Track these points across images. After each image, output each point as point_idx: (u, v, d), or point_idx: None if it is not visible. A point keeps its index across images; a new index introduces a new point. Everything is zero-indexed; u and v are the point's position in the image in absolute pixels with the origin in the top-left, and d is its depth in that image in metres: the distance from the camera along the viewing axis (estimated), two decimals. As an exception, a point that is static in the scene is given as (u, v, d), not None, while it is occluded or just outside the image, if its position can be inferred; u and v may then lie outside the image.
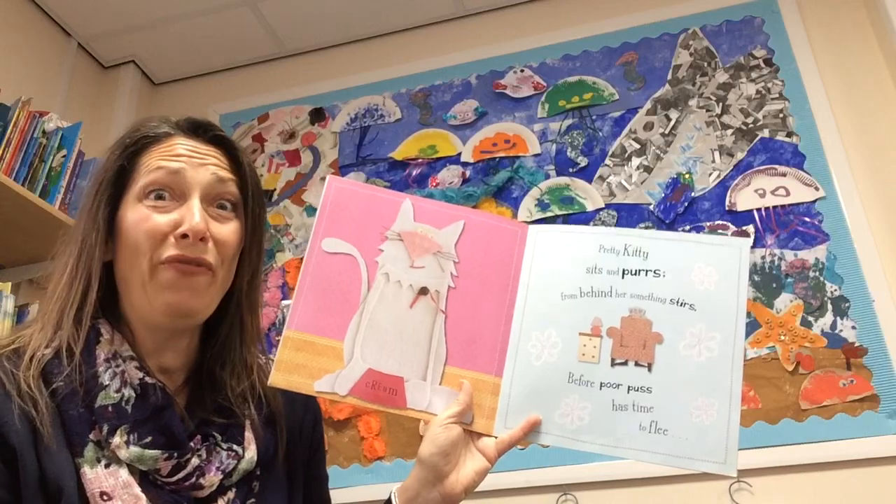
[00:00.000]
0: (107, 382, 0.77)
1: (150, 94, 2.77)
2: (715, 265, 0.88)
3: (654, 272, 0.89)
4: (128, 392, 0.78)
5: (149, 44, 2.63)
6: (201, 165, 0.84)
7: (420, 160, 2.35)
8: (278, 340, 2.39)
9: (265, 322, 2.22)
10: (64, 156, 1.99)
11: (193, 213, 0.81)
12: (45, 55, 2.45)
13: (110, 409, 0.76)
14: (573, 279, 0.91)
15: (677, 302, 0.86)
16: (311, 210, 2.37)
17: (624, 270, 0.90)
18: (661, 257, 0.90)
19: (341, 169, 2.41)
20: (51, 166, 1.95)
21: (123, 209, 0.83)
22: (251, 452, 0.85)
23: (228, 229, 0.85)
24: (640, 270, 0.90)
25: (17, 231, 1.90)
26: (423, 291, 0.91)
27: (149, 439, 0.76)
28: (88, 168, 2.07)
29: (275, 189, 2.44)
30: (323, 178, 2.41)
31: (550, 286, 0.92)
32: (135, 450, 0.75)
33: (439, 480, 0.86)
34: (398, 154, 2.37)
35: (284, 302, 2.24)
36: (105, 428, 0.75)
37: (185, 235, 0.80)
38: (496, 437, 0.88)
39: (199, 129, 0.89)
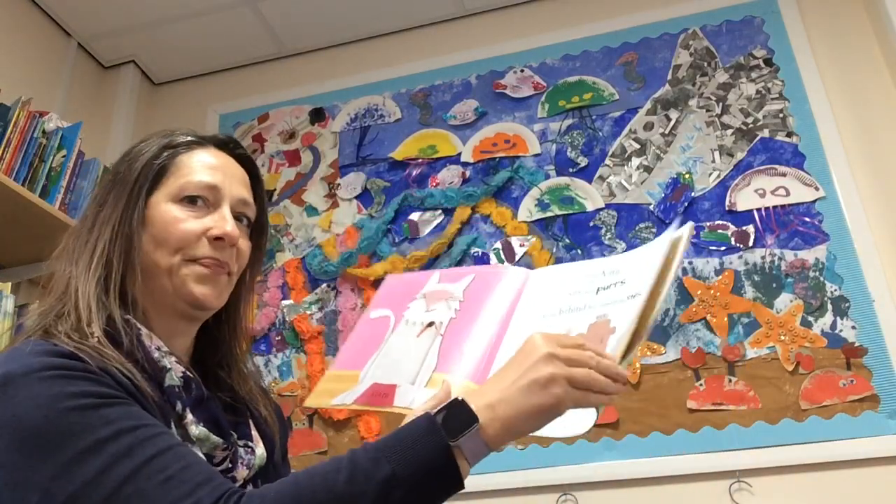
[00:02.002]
0: (168, 367, 0.82)
1: (150, 94, 2.77)
2: (659, 250, 0.91)
3: (622, 282, 0.94)
4: (177, 381, 0.82)
5: (149, 44, 2.63)
6: (233, 182, 0.93)
7: (420, 160, 2.34)
8: (278, 340, 2.38)
9: (265, 322, 2.22)
10: (64, 156, 1.99)
11: (228, 221, 0.89)
12: (45, 55, 2.45)
13: (177, 389, 0.81)
14: (555, 302, 0.99)
15: (631, 296, 0.90)
16: (310, 210, 2.37)
17: (599, 288, 0.96)
18: (628, 267, 0.95)
19: (341, 169, 2.41)
20: (51, 166, 1.95)
21: (155, 204, 0.88)
22: (261, 449, 0.91)
23: (245, 243, 0.94)
24: (610, 284, 0.95)
25: (17, 231, 1.89)
26: (430, 324, 1.04)
27: (201, 424, 0.81)
28: (88, 168, 2.07)
29: (275, 189, 2.44)
30: (323, 178, 2.41)
31: (535, 310, 1.00)
32: (203, 430, 0.80)
33: None
34: (398, 154, 2.37)
35: (285, 302, 2.24)
36: (178, 405, 0.80)
37: (219, 238, 0.87)
38: None
39: (227, 145, 0.97)
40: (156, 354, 0.82)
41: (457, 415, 0.71)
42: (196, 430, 0.79)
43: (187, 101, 2.72)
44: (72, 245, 0.88)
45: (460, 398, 0.72)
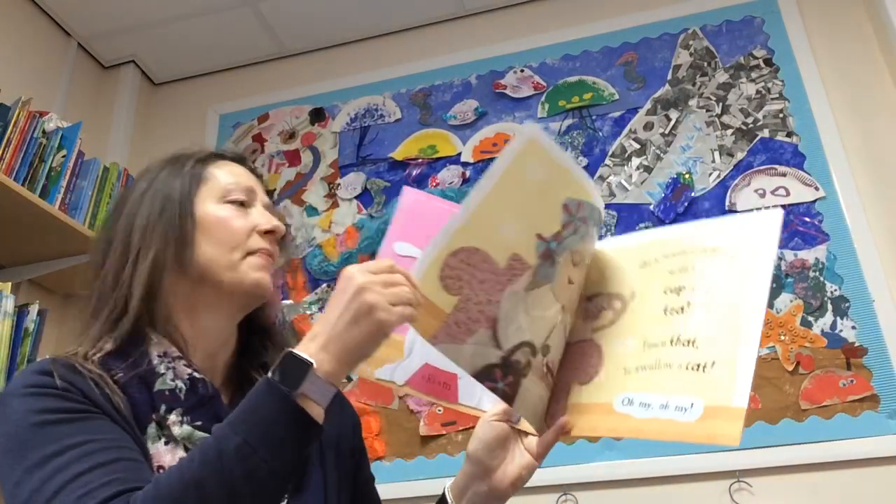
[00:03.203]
0: (163, 372, 0.86)
1: (150, 94, 2.77)
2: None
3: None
4: (180, 384, 0.85)
5: (149, 44, 2.63)
6: (258, 188, 1.00)
7: (420, 160, 2.35)
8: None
9: (265, 322, 2.22)
10: (64, 156, 2.00)
11: (271, 216, 0.96)
12: (45, 55, 2.45)
13: (167, 393, 0.84)
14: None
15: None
16: (311, 210, 2.37)
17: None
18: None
19: (341, 169, 2.41)
20: (51, 166, 1.95)
21: (200, 208, 0.93)
22: None
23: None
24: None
25: (17, 231, 1.90)
26: None
27: (200, 423, 0.83)
28: (88, 168, 2.07)
29: (275, 189, 2.44)
30: (323, 178, 2.42)
31: None
32: (187, 428, 0.82)
33: (487, 475, 0.92)
34: (398, 154, 2.37)
35: (285, 302, 2.24)
36: (163, 408, 0.83)
37: (270, 231, 0.94)
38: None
39: (243, 160, 1.04)
40: (155, 361, 0.86)
41: (291, 367, 0.73)
42: (179, 429, 0.82)
43: (187, 101, 2.72)
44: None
45: (288, 350, 0.74)
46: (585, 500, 1.80)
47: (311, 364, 0.72)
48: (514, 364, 0.83)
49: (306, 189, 2.42)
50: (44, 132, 1.95)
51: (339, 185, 2.38)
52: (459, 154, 2.32)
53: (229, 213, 0.94)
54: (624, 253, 0.94)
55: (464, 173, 2.28)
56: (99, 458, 0.74)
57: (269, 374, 0.73)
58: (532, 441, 0.93)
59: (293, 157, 2.49)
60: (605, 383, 0.88)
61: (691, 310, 0.86)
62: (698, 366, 0.82)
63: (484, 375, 0.82)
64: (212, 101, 2.67)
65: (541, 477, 1.81)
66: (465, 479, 0.94)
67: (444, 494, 0.96)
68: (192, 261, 0.91)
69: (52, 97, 2.40)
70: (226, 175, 0.98)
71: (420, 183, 2.31)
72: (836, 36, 2.16)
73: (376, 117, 2.46)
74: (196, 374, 0.87)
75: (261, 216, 0.96)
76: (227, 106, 2.65)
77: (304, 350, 0.74)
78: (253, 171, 1.04)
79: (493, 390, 0.83)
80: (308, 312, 2.20)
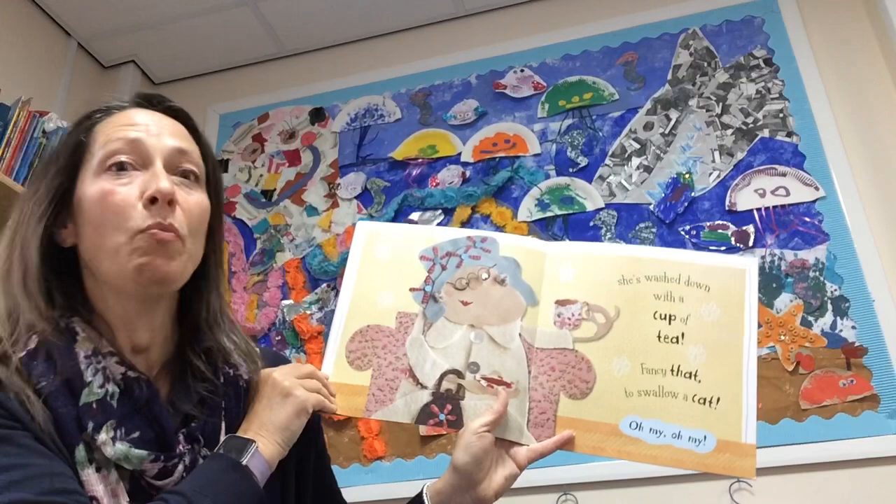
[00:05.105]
0: (90, 379, 0.75)
1: (150, 94, 2.76)
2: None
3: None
4: (111, 388, 0.76)
5: (149, 44, 2.63)
6: (160, 134, 0.83)
7: (420, 160, 2.34)
8: (278, 340, 2.37)
9: (265, 322, 2.22)
10: (64, 156, 1.99)
11: (159, 177, 0.79)
12: (45, 55, 2.45)
13: (94, 405, 0.74)
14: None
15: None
16: (311, 210, 2.37)
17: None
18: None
19: (341, 169, 2.41)
20: (51, 166, 1.95)
21: (81, 186, 0.80)
22: None
23: (194, 199, 0.83)
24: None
25: (17, 231, 1.89)
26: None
27: (136, 434, 0.75)
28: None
29: (275, 189, 2.44)
30: (323, 178, 2.41)
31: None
32: (121, 447, 0.73)
33: (472, 487, 0.91)
34: (398, 154, 2.37)
35: (285, 302, 2.24)
36: (91, 425, 0.73)
37: (153, 200, 0.77)
38: (527, 445, 0.94)
39: (152, 101, 0.88)
40: (83, 365, 0.75)
41: (234, 445, 0.80)
42: (112, 450, 0.73)
43: (187, 101, 2.67)
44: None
45: (229, 435, 0.82)
46: (585, 500, 1.80)
47: (253, 441, 0.80)
48: (446, 393, 0.94)
49: (306, 189, 2.41)
50: (44, 132, 1.95)
51: (339, 184, 2.38)
52: (459, 154, 2.31)
53: (104, 187, 0.78)
54: (596, 262, 1.00)
55: (464, 173, 2.28)
56: (26, 492, 0.65)
57: (220, 451, 0.79)
58: (519, 451, 0.94)
59: (293, 157, 2.49)
60: (603, 401, 0.93)
61: (687, 342, 0.93)
62: (705, 400, 0.89)
63: (424, 417, 0.93)
64: (212, 101, 2.67)
65: (541, 477, 1.83)
66: (448, 489, 0.93)
67: (420, 499, 0.94)
68: (80, 250, 0.80)
69: (52, 97, 2.40)
70: (109, 132, 0.81)
71: (420, 183, 2.31)
72: (836, 36, 2.16)
73: (376, 117, 2.46)
74: (130, 374, 0.77)
75: (149, 178, 0.79)
76: (227, 106, 2.65)
77: (241, 434, 0.82)
78: (171, 110, 0.88)
79: (439, 425, 0.92)
80: (308, 312, 2.20)
